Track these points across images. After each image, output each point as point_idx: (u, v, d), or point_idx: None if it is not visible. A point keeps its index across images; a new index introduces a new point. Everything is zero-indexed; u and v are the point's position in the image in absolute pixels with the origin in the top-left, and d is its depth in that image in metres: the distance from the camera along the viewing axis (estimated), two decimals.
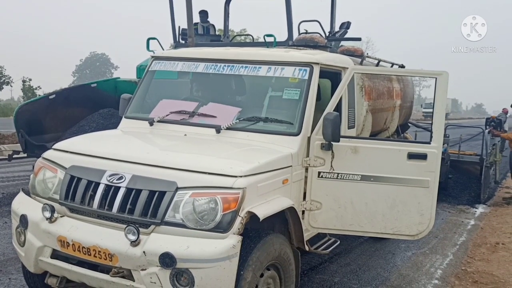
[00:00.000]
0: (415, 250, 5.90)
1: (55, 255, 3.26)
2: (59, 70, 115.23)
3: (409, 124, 7.76)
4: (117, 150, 3.48)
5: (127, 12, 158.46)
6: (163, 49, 9.80)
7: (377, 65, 5.75)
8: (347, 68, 4.51)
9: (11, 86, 36.79)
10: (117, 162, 3.28)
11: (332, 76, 4.50)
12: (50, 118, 7.78)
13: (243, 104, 4.10)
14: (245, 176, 3.09)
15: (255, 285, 3.14)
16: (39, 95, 33.03)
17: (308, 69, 3.93)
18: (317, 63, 3.96)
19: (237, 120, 3.88)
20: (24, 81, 34.19)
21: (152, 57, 4.65)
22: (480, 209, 8.42)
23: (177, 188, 3.03)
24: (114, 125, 8.19)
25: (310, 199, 3.85)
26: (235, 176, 3.05)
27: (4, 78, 35.36)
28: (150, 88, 4.56)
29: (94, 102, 8.22)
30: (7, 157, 10.99)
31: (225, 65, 4.17)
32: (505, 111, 16.21)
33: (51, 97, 7.95)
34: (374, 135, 5.57)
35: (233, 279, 2.92)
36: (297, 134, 3.74)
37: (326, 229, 3.98)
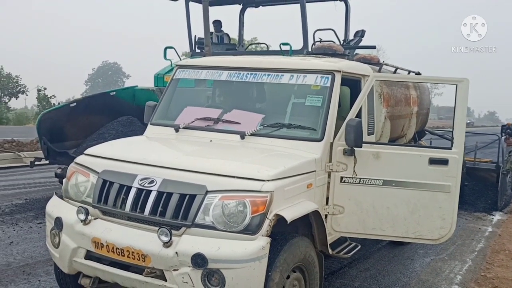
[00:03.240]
0: (434, 256, 5.93)
1: (89, 256, 3.38)
2: (72, 79, 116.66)
3: (425, 131, 7.80)
4: (147, 155, 3.60)
5: (139, 22, 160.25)
6: (180, 58, 9.99)
7: (395, 72, 5.84)
8: (367, 75, 4.62)
9: (27, 95, 37.41)
10: (148, 166, 3.41)
11: (351, 83, 4.59)
12: (71, 125, 7.96)
13: (266, 111, 4.21)
14: (272, 180, 3.19)
15: (282, 286, 3.22)
16: (53, 104, 33.56)
17: (330, 76, 4.03)
18: (339, 71, 4.06)
19: (261, 127, 3.99)
20: (39, 90, 34.71)
21: (177, 65, 4.78)
22: (497, 216, 8.41)
23: (207, 192, 3.14)
24: (133, 132, 8.41)
25: (332, 203, 3.94)
26: (263, 180, 3.16)
27: (19, 87, 35.94)
28: (174, 95, 4.70)
29: (113, 110, 8.40)
30: (27, 164, 11.26)
31: (248, 73, 4.29)
32: None
33: (72, 105, 8.13)
34: (391, 142, 5.64)
35: (263, 280, 3.02)
36: (320, 140, 3.84)
37: (348, 233, 4.05)
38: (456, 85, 3.86)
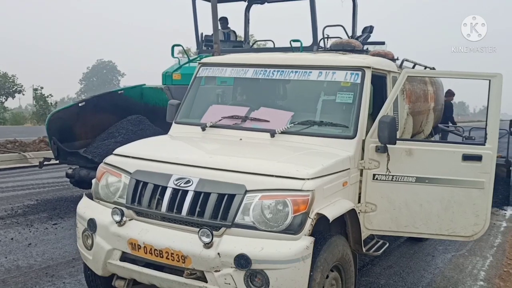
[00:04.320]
0: (454, 252, 5.91)
1: (123, 257, 3.32)
2: (66, 78, 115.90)
3: (440, 127, 7.78)
4: (180, 155, 3.54)
5: (134, 20, 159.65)
6: (187, 56, 9.92)
7: (413, 68, 5.81)
8: (392, 71, 4.59)
9: (23, 95, 37.17)
10: (182, 166, 3.34)
11: (375, 79, 4.54)
12: (80, 125, 7.90)
13: (294, 109, 4.15)
14: (313, 178, 3.14)
15: (322, 286, 3.18)
16: (50, 103, 33.34)
17: (360, 73, 3.99)
18: (369, 67, 4.02)
19: (291, 124, 3.93)
20: (35, 89, 34.49)
21: (200, 63, 4.71)
22: (509, 211, 8.41)
23: (246, 191, 3.08)
24: (142, 131, 8.34)
25: (365, 201, 3.90)
26: (303, 179, 3.11)
27: (16, 87, 35.67)
28: (197, 94, 4.63)
29: (121, 109, 8.34)
30: (33, 164, 11.18)
31: (274, 70, 4.23)
32: None
33: (81, 104, 8.06)
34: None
35: (306, 280, 2.97)
36: (352, 137, 3.79)
37: (381, 230, 4.02)
38: (490, 80, 3.83)
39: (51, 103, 33.47)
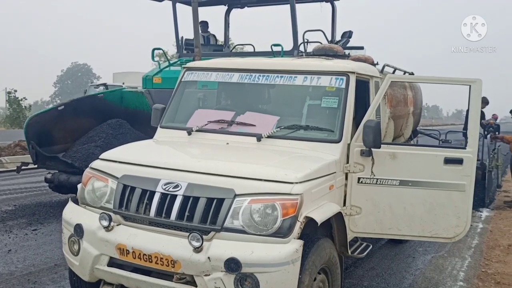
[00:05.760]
0: (434, 254, 6.04)
1: (111, 263, 3.30)
2: (40, 81, 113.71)
3: (418, 130, 7.93)
4: (168, 159, 3.54)
5: (109, 22, 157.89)
6: (168, 59, 9.88)
7: (393, 73, 5.92)
8: (374, 76, 4.67)
9: None
10: (170, 171, 3.34)
11: (358, 84, 4.61)
12: (59, 129, 7.80)
13: (279, 113, 4.19)
14: (301, 182, 3.18)
15: None
16: (25, 107, 32.63)
17: (344, 78, 4.05)
18: (353, 72, 4.09)
19: (278, 129, 3.97)
20: (9, 93, 33.67)
21: (184, 67, 4.71)
22: (485, 213, 8.64)
23: (235, 195, 3.10)
24: (123, 135, 8.27)
25: (350, 204, 3.96)
26: (292, 183, 3.14)
27: None
28: (182, 98, 4.62)
29: (101, 112, 8.26)
30: (8, 169, 10.95)
31: (260, 75, 4.27)
32: (495, 117, 16.59)
33: (60, 108, 7.96)
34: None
35: (296, 282, 3.01)
36: (338, 141, 3.85)
37: (366, 233, 4.09)
38: (470, 85, 3.94)
39: (25, 107, 32.77)
